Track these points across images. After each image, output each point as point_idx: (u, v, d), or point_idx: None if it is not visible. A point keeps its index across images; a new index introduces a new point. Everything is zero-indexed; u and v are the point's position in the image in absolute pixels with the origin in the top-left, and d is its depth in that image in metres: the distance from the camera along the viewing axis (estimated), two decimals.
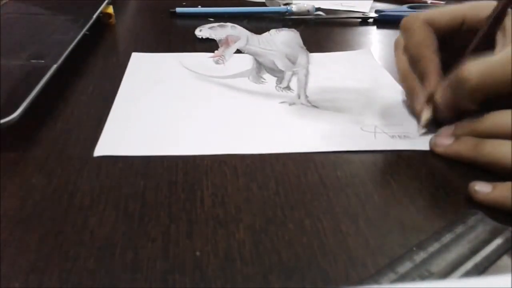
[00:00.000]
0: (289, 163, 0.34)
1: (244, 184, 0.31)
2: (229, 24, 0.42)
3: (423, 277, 0.24)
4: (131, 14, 0.69)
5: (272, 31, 0.42)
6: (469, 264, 0.25)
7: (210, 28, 0.42)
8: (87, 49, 0.52)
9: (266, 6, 0.69)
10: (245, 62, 0.45)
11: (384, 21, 0.66)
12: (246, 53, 0.42)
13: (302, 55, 0.42)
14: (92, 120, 0.38)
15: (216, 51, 0.42)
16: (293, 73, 0.43)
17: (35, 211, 0.28)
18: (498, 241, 0.27)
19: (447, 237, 0.27)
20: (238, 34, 0.42)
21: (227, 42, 0.42)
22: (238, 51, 0.42)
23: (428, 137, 0.37)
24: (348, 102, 0.43)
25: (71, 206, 0.29)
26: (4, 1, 0.56)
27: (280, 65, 0.42)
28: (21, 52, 0.44)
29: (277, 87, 0.44)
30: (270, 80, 0.45)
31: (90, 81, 0.46)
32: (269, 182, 0.32)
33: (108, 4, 0.60)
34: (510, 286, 0.18)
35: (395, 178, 0.32)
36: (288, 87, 0.44)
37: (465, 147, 0.34)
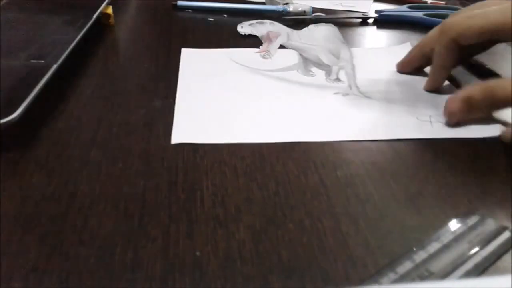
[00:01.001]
0: (289, 163, 0.34)
1: (244, 184, 0.31)
2: (267, 20, 0.43)
3: (423, 277, 0.24)
4: (131, 14, 0.69)
5: (311, 26, 0.43)
6: (469, 264, 0.25)
7: (250, 25, 0.43)
8: (87, 49, 0.52)
9: (265, 4, 0.69)
10: (290, 56, 0.46)
11: (384, 21, 0.66)
12: (290, 48, 0.43)
13: (344, 50, 0.43)
14: (92, 120, 0.38)
15: (261, 47, 0.44)
16: (340, 68, 0.44)
17: (35, 211, 0.28)
18: (498, 241, 0.27)
19: (447, 237, 0.27)
20: (278, 30, 0.43)
21: (269, 37, 0.43)
22: (282, 46, 0.43)
23: (486, 126, 0.37)
24: (399, 93, 0.44)
25: (71, 206, 0.29)
26: (4, 1, 0.56)
27: (326, 59, 0.43)
28: (21, 52, 0.44)
29: (327, 79, 0.45)
30: (318, 73, 0.45)
31: (90, 81, 0.45)
32: (269, 182, 0.32)
33: (108, 4, 0.60)
34: (510, 286, 0.18)
35: (395, 178, 0.32)
36: (338, 79, 0.44)
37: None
